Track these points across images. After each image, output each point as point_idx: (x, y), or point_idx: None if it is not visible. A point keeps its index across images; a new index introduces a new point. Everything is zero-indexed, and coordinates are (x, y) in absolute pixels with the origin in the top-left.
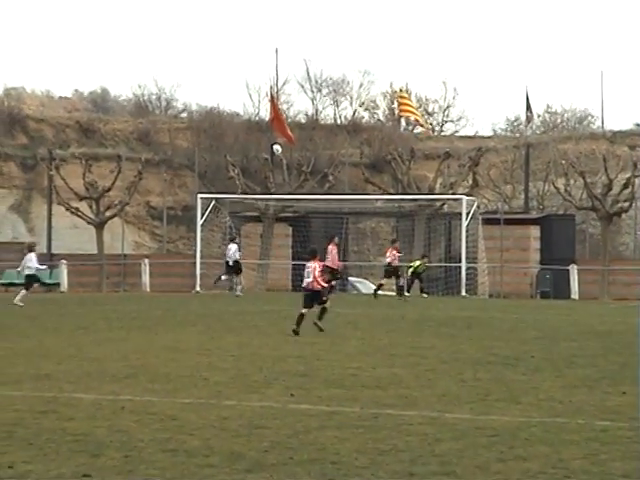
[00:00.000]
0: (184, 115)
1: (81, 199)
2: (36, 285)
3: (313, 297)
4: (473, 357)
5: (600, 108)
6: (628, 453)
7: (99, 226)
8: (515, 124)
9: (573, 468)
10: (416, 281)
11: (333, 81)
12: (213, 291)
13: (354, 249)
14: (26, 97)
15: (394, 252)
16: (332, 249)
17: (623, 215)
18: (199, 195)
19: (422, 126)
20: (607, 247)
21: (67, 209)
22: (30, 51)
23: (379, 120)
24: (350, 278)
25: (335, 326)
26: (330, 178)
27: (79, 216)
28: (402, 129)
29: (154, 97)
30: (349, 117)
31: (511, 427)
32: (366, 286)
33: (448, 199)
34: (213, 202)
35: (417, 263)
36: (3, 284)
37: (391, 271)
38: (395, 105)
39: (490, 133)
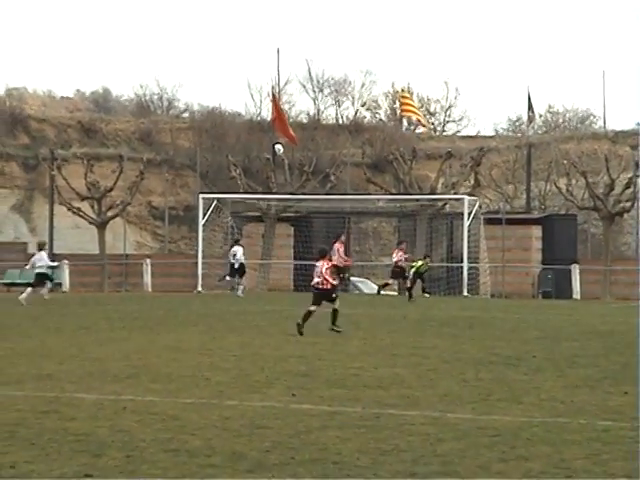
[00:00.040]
0: (186, 115)
1: (83, 199)
2: (49, 285)
3: (323, 296)
4: (475, 357)
5: (602, 108)
6: (630, 453)
7: (101, 226)
8: (517, 124)
9: (575, 468)
10: (418, 281)
11: (335, 81)
12: (215, 291)
13: (356, 249)
14: (28, 97)
15: (400, 253)
16: (339, 247)
17: (625, 215)
18: (201, 195)
19: (424, 126)
20: (609, 247)
21: (69, 209)
22: (32, 51)
23: (381, 120)
24: (352, 278)
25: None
26: (332, 178)
27: (81, 216)
28: (404, 129)
29: (156, 97)
30: (351, 117)
31: (513, 427)
32: (368, 286)
33: (450, 199)
34: (215, 202)
35: (419, 263)
36: (5, 284)
37: (398, 272)
38: (397, 105)
39: (492, 133)
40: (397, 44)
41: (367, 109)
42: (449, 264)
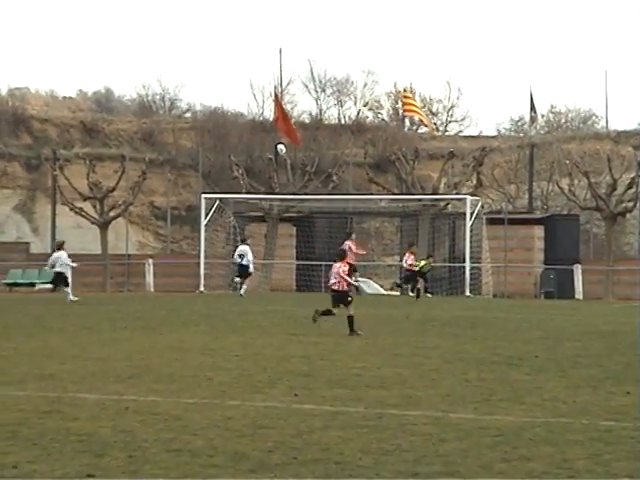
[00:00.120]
0: (188, 115)
1: (85, 199)
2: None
3: (339, 298)
4: (477, 357)
5: (604, 108)
6: (633, 453)
7: (103, 226)
8: (519, 124)
9: (577, 468)
10: (420, 280)
11: (337, 81)
12: (217, 291)
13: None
14: (30, 97)
15: (412, 256)
16: (351, 245)
17: (627, 215)
18: (203, 195)
19: (426, 126)
20: (611, 247)
21: (71, 209)
22: (34, 51)
23: (383, 120)
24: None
25: (339, 326)
26: (334, 178)
27: (83, 216)
28: (406, 129)
29: (158, 97)
30: (353, 117)
31: (515, 427)
32: (370, 286)
33: (452, 199)
34: (217, 202)
35: (422, 263)
36: (8, 284)
37: (409, 276)
38: (399, 105)
39: (494, 133)
40: (399, 44)
41: (369, 109)
42: (451, 264)
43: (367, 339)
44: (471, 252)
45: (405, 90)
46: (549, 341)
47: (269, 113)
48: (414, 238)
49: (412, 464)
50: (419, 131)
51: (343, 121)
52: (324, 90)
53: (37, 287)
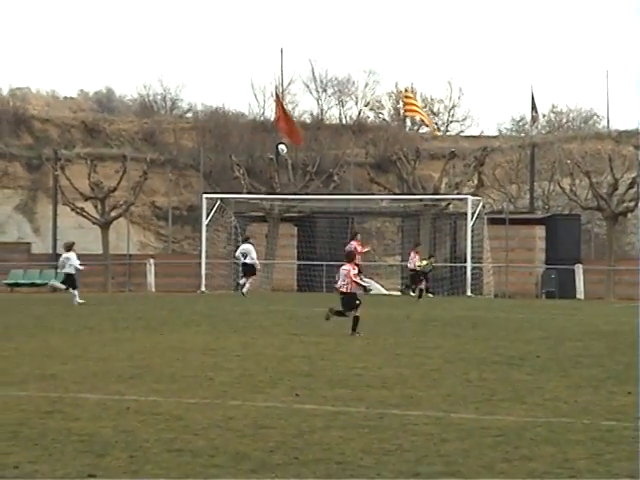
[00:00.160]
0: (189, 115)
1: (86, 199)
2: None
3: (347, 300)
4: (478, 357)
5: (606, 108)
6: (634, 453)
7: (104, 226)
8: (520, 124)
9: (579, 468)
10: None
11: (338, 81)
12: (218, 291)
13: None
14: (31, 97)
15: (417, 257)
16: (356, 245)
17: (629, 215)
18: (204, 195)
19: (427, 126)
20: (612, 247)
21: (72, 209)
22: (35, 51)
23: (384, 120)
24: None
25: (340, 326)
26: (335, 178)
27: (84, 216)
28: (407, 129)
29: (159, 97)
30: (354, 117)
31: (516, 427)
32: (372, 286)
33: (453, 199)
34: (218, 202)
35: (424, 262)
36: (9, 284)
37: (415, 276)
38: (400, 105)
39: (495, 133)
40: (400, 44)
41: (371, 109)
42: (452, 264)
43: (368, 339)
44: (472, 252)
45: (406, 90)
46: (550, 341)
47: (270, 113)
48: (416, 238)
49: (413, 464)
50: (420, 131)
51: (344, 121)
52: (325, 90)
53: (50, 283)
